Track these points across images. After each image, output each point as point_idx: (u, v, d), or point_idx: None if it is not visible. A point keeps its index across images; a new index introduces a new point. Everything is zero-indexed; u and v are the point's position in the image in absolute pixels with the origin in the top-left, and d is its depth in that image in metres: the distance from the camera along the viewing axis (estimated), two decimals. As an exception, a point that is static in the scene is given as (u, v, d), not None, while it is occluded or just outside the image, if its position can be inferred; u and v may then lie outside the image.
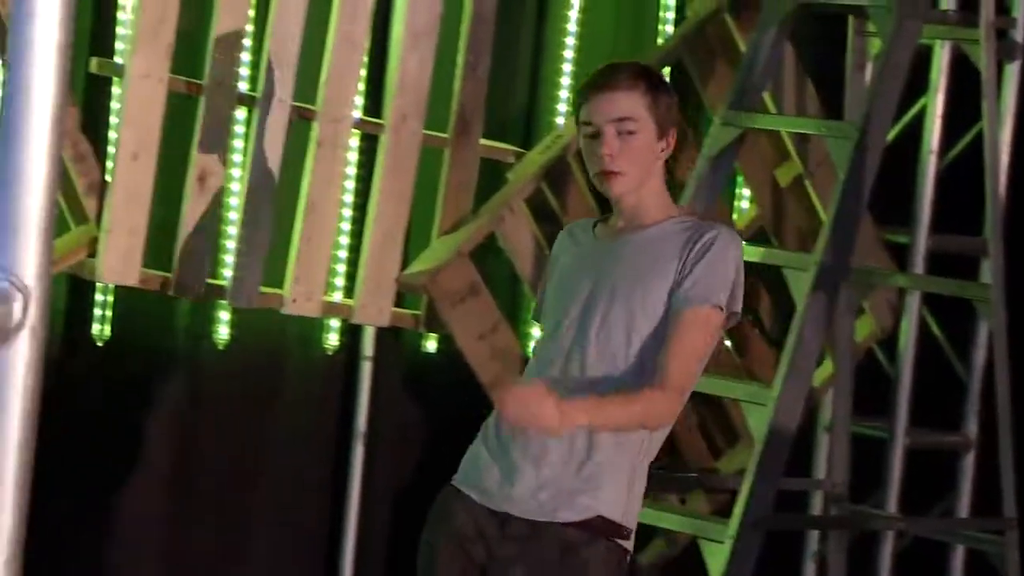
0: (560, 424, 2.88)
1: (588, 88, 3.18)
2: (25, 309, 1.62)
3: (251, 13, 4.21)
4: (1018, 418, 4.73)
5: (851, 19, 4.74)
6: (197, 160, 4.07)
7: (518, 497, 3.06)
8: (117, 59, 4.12)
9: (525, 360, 4.63)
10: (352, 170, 4.45)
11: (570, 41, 4.75)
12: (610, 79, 3.18)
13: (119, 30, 4.16)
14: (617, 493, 3.02)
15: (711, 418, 4.94)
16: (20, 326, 1.63)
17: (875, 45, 4.66)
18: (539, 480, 3.06)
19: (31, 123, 1.58)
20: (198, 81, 4.10)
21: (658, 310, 3.12)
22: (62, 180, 4.08)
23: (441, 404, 4.83)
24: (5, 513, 1.70)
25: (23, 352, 1.64)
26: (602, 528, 3.01)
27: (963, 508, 4.94)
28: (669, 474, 4.58)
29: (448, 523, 3.15)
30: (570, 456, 3.05)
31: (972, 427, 4.90)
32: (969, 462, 4.89)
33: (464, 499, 3.12)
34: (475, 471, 3.12)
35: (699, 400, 4.65)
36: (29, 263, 1.61)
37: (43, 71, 1.60)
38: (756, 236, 4.95)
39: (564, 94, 4.75)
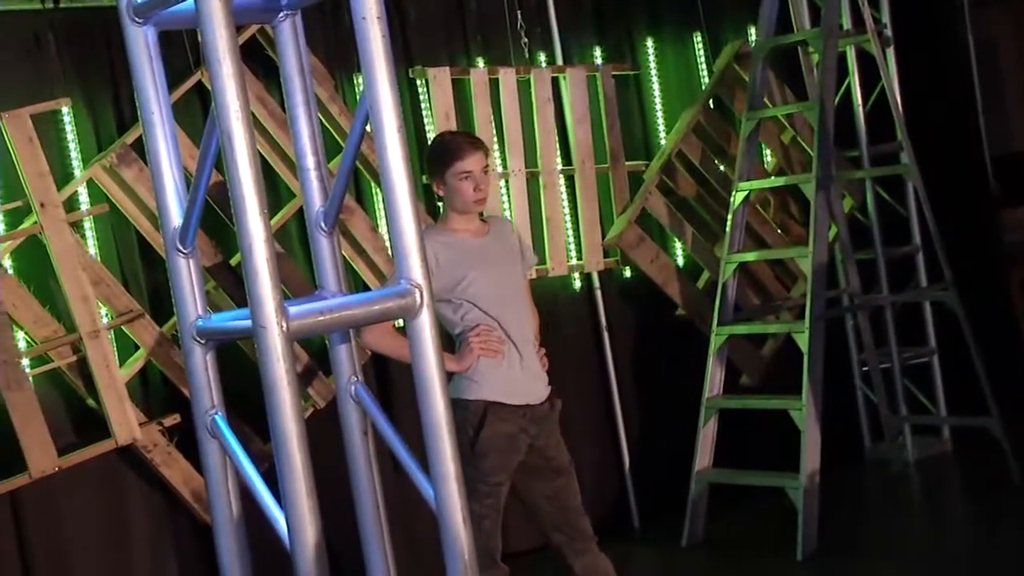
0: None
1: (464, 151, 3.58)
2: (421, 297, 2.10)
3: (493, 123, 5.15)
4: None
5: (799, 48, 5.87)
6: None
7: (536, 392, 3.65)
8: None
9: (673, 268, 5.67)
10: (565, 194, 5.52)
11: (657, 96, 5.85)
12: (477, 145, 3.64)
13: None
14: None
15: (781, 271, 5.92)
16: (421, 306, 2.10)
17: (815, 58, 5.64)
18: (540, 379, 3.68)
19: (404, 205, 2.14)
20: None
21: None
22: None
23: (635, 302, 5.71)
24: (444, 445, 2.10)
25: (427, 320, 2.14)
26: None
27: (923, 280, 6.14)
28: (767, 304, 5.79)
29: (503, 428, 3.58)
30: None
31: (917, 240, 6.08)
32: (920, 261, 6.11)
33: (503, 408, 3.58)
34: (508, 389, 3.60)
35: (773, 263, 5.81)
36: (417, 271, 2.11)
37: (400, 175, 2.16)
38: (779, 172, 5.93)
39: (661, 130, 5.82)
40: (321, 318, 2.17)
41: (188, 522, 4.49)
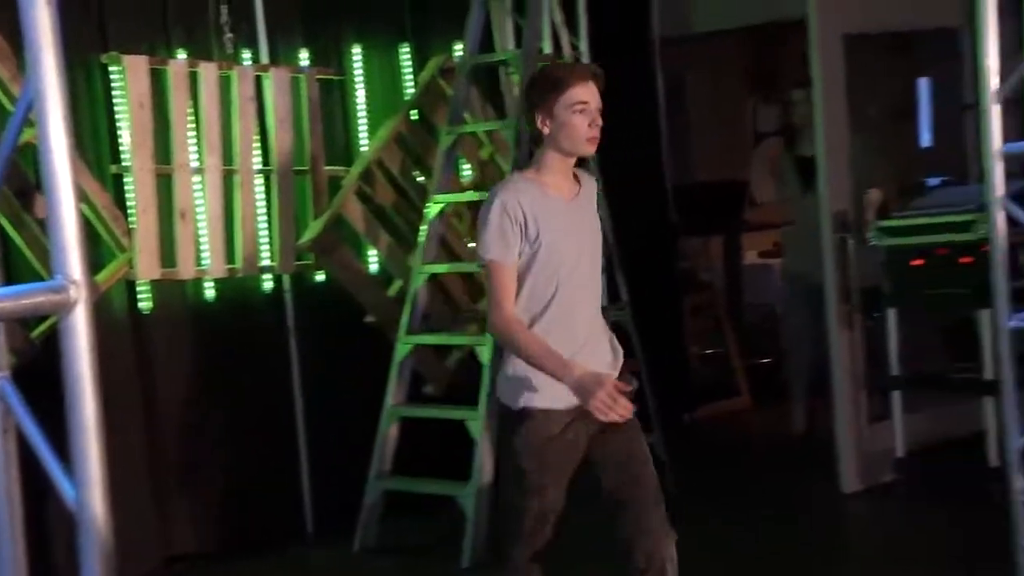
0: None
1: (583, 77, 3.11)
2: (78, 292, 2.01)
3: (191, 118, 5.14)
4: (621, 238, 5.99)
5: (502, 67, 6.05)
6: (179, 206, 5.17)
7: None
8: (125, 163, 5.04)
9: (366, 275, 5.68)
10: (261, 194, 5.47)
11: (361, 104, 5.84)
12: (597, 74, 3.15)
13: (123, 147, 5.04)
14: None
15: (471, 285, 5.95)
16: (76, 301, 2.03)
17: (516, 78, 5.76)
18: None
19: (65, 197, 2.02)
20: (169, 166, 5.15)
21: None
22: (109, 230, 4.93)
23: (325, 306, 5.67)
24: (91, 446, 2.04)
25: (82, 314, 2.04)
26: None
27: (604, 299, 6.55)
28: (455, 316, 5.83)
29: (545, 431, 3.13)
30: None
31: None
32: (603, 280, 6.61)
33: (547, 413, 3.11)
34: (559, 393, 3.06)
35: (464, 276, 5.84)
36: (75, 267, 2.02)
37: (62, 165, 2.04)
38: (476, 187, 5.93)
39: (363, 136, 5.82)
40: (-37, 310, 2.03)
41: None
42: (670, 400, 6.48)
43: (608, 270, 6.01)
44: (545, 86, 3.12)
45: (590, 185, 3.27)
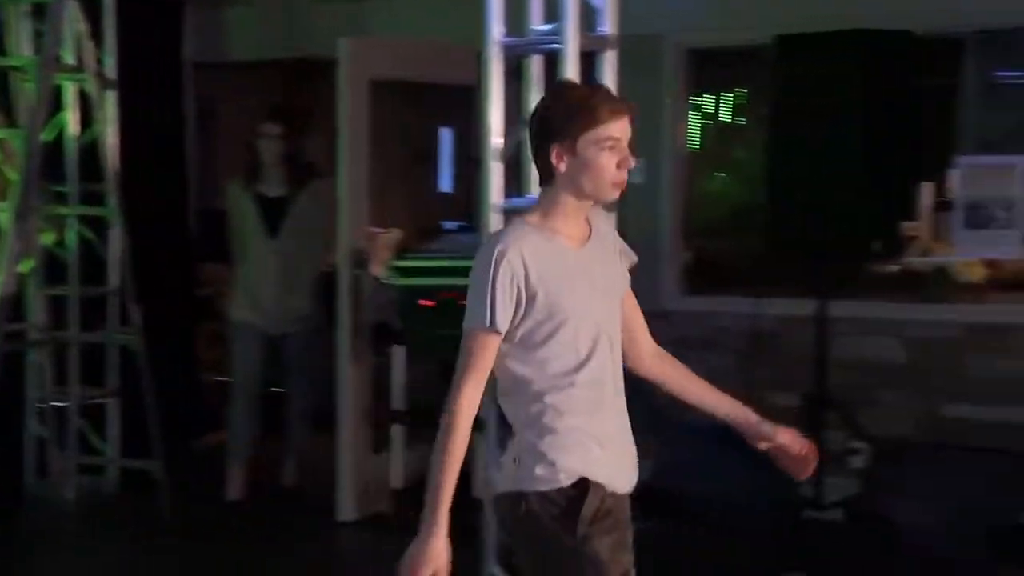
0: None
1: (616, 110, 2.64)
2: None
3: None
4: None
5: (13, 73, 5.68)
6: None
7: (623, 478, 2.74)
8: None
9: None
10: None
11: None
12: (629, 107, 2.69)
13: None
14: None
15: None
16: None
17: (30, 86, 5.55)
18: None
19: None
20: None
21: None
22: None
23: None
24: None
25: None
26: None
27: (115, 322, 6.09)
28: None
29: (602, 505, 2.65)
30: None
31: (114, 282, 6.03)
32: (116, 303, 6.07)
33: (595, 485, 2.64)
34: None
35: None
36: None
37: None
38: None
39: None
40: None
41: None
42: (178, 426, 6.39)
43: (120, 294, 5.97)
44: (571, 114, 2.62)
45: (603, 225, 2.79)
